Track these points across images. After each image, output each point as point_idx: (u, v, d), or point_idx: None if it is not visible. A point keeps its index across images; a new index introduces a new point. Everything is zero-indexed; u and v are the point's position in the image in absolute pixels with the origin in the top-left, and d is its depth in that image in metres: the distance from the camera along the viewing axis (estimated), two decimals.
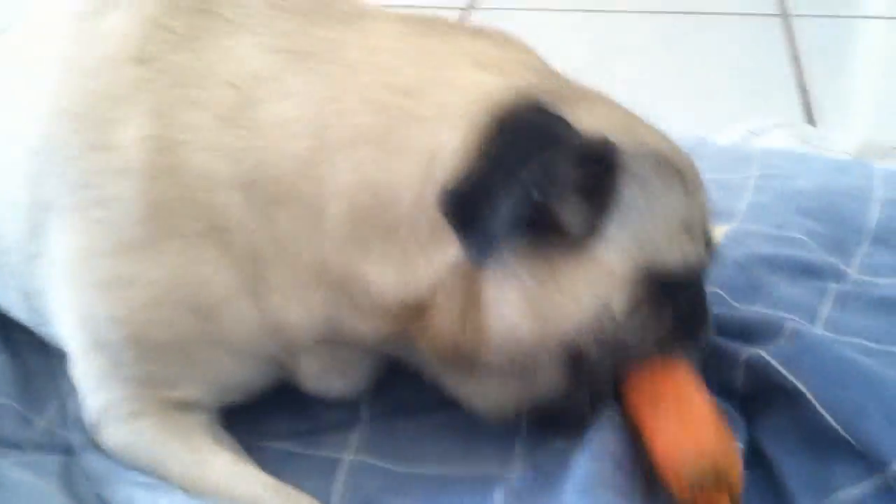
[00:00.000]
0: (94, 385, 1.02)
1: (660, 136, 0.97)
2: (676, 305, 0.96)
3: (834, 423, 0.96)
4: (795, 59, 2.07)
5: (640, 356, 0.95)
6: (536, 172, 0.83)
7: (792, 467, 0.98)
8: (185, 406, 1.02)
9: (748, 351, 1.04)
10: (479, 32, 0.99)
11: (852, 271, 1.32)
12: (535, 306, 0.90)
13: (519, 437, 1.03)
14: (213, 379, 1.02)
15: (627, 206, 0.91)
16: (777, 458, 1.00)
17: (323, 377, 1.04)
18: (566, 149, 0.85)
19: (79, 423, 1.05)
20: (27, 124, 1.01)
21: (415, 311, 0.93)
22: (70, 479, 1.01)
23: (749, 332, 1.09)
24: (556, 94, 0.92)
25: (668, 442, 0.91)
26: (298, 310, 0.96)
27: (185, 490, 0.98)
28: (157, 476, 1.00)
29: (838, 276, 1.29)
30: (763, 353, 1.03)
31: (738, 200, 1.42)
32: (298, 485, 0.99)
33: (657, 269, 0.93)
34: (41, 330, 1.11)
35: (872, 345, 1.16)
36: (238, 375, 1.03)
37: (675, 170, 0.95)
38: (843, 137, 1.66)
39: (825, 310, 1.23)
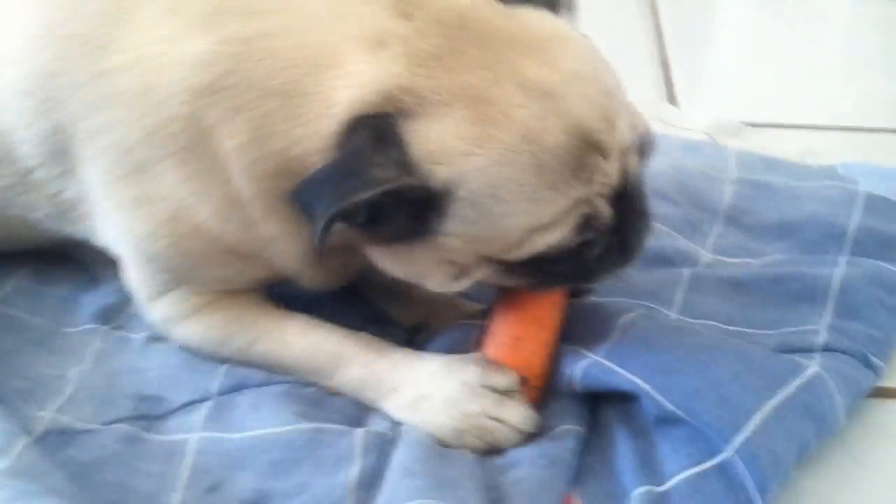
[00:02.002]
0: (156, 290, 1.13)
1: (524, 128, 0.93)
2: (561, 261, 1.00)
3: (670, 406, 0.99)
4: (658, 36, 2.09)
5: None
6: (344, 205, 0.90)
7: (628, 451, 1.01)
8: (238, 291, 1.13)
9: (584, 360, 1.05)
10: None
11: (706, 252, 1.34)
12: (400, 261, 1.02)
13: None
14: (245, 276, 1.12)
15: (459, 220, 0.95)
16: (616, 442, 1.03)
17: (320, 282, 1.13)
18: (384, 185, 0.90)
19: None
20: (26, 51, 1.05)
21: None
22: None
23: (589, 327, 1.10)
24: (421, 96, 0.93)
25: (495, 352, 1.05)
26: (272, 227, 1.03)
27: (268, 357, 1.10)
28: (238, 353, 1.12)
29: (692, 260, 1.31)
30: (600, 360, 1.04)
31: None
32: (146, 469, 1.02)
33: (504, 259, 0.99)
34: (75, 235, 1.17)
35: (726, 326, 1.18)
36: (263, 272, 1.12)
37: (534, 171, 0.93)
38: (698, 116, 1.67)
39: (680, 294, 1.25)
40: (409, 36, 0.94)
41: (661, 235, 1.33)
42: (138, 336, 1.18)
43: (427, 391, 1.03)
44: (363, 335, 1.11)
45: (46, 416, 1.06)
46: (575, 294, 1.12)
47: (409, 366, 1.06)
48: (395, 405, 1.05)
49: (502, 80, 0.93)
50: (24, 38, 1.06)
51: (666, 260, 1.30)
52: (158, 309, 1.14)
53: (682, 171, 1.45)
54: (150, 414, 1.08)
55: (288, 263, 1.09)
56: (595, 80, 0.97)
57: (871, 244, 1.29)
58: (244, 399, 1.08)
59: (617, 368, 1.02)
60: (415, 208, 0.94)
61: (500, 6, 1.00)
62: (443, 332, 1.13)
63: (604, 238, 1.00)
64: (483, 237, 0.96)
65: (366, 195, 0.90)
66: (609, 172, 0.97)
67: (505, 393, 1.02)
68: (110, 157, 1.04)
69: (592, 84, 0.96)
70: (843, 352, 1.10)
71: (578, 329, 1.10)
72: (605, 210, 0.98)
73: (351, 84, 0.93)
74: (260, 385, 1.10)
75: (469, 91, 0.93)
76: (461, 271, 1.01)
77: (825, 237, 1.31)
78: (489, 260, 0.99)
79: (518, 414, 1.02)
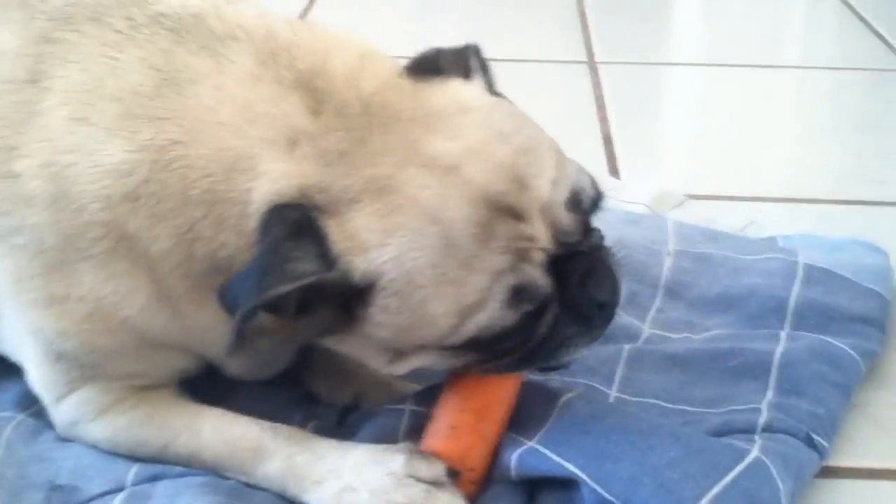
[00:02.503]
0: (63, 390, 1.09)
1: (430, 211, 0.91)
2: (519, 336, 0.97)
3: (609, 497, 0.95)
4: (600, 108, 2.09)
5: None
6: (264, 298, 0.88)
7: None
8: (150, 386, 1.10)
9: (520, 447, 1.02)
10: (301, 85, 0.97)
11: (647, 327, 1.31)
12: (346, 350, 1.02)
13: None
14: (164, 368, 1.10)
15: (382, 311, 0.93)
16: None
17: (250, 370, 1.12)
18: (303, 280, 0.89)
19: None
20: None
21: None
22: None
23: (526, 410, 1.06)
24: (331, 195, 0.92)
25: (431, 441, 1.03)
26: (206, 315, 1.00)
27: (184, 457, 1.06)
28: (152, 456, 1.07)
29: (632, 336, 1.28)
30: (535, 446, 1.01)
31: None
32: None
33: (428, 344, 0.96)
34: None
35: (666, 404, 1.16)
36: (181, 364, 1.10)
37: (447, 252, 0.91)
38: (640, 188, 1.66)
39: (620, 371, 1.21)
40: (316, 134, 0.94)
41: None
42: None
43: (352, 482, 0.99)
44: (283, 427, 1.06)
45: None
46: (545, 370, 1.06)
47: (333, 456, 1.02)
48: (319, 498, 1.01)
49: (405, 165, 0.92)
50: None
51: (606, 335, 1.26)
52: (65, 410, 1.10)
53: (621, 244, 1.41)
54: None
55: (217, 352, 1.05)
56: (503, 142, 0.94)
57: (812, 317, 1.27)
58: (161, 489, 1.03)
59: (552, 455, 0.99)
60: (340, 300, 0.93)
61: (406, 83, 0.99)
62: (372, 418, 1.09)
63: (549, 309, 0.96)
64: (411, 326, 0.93)
65: (284, 289, 0.88)
66: (532, 235, 0.93)
67: (434, 483, 0.98)
68: (22, 257, 1.01)
69: (499, 148, 0.94)
70: (785, 432, 1.07)
71: (515, 412, 1.06)
72: (537, 277, 0.93)
73: (264, 183, 0.92)
74: (178, 476, 1.05)
75: (374, 183, 0.92)
76: (397, 356, 0.99)
77: (766, 310, 1.29)
78: (425, 347, 0.96)
79: (447, 503, 0.97)
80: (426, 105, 0.96)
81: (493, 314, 0.92)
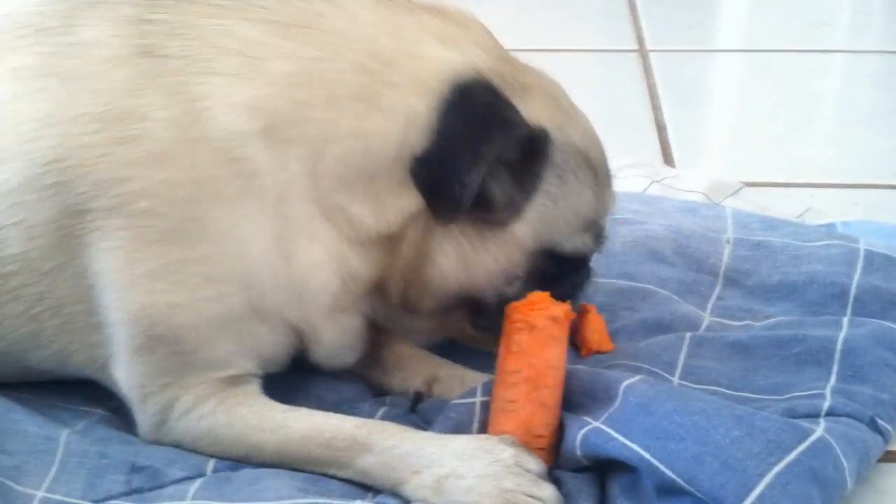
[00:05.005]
0: (152, 386, 1.09)
1: (585, 133, 1.15)
2: (557, 276, 1.16)
3: (672, 475, 0.97)
4: (652, 97, 2.09)
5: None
6: (493, 151, 1.04)
7: None
8: (238, 380, 1.11)
9: (585, 427, 1.04)
10: (441, 11, 1.13)
11: (707, 315, 1.32)
12: (464, 262, 1.11)
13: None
14: (257, 350, 1.11)
15: (545, 195, 1.11)
16: None
17: (338, 349, 1.16)
18: (513, 133, 1.06)
19: None
20: (30, 140, 1.03)
21: (388, 242, 1.10)
22: None
23: (591, 393, 1.08)
24: (505, 79, 1.09)
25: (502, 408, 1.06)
26: (317, 251, 1.07)
27: (276, 458, 1.07)
28: (241, 452, 1.09)
29: (692, 324, 1.30)
30: (600, 426, 1.02)
31: None
32: None
33: (554, 250, 1.15)
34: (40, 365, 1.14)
35: (729, 391, 1.17)
36: (273, 345, 1.12)
37: (592, 169, 1.14)
38: (695, 176, 1.67)
39: (682, 359, 1.23)
40: (470, 38, 1.10)
41: (660, 299, 1.32)
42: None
43: (457, 469, 1.01)
44: (372, 421, 1.09)
45: (38, 495, 1.04)
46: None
47: (433, 446, 1.03)
48: (419, 485, 1.02)
49: (555, 89, 1.15)
50: (27, 129, 1.04)
51: (666, 325, 1.28)
52: (152, 409, 1.10)
53: (679, 233, 1.44)
54: (142, 488, 1.05)
55: (314, 313, 1.10)
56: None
57: (874, 303, 1.28)
58: (242, 475, 1.06)
59: (616, 435, 1.00)
60: (517, 174, 1.08)
61: None
62: (445, 411, 1.11)
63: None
64: (553, 220, 1.12)
65: (509, 137, 1.04)
66: (610, 200, 1.20)
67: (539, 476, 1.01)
68: (142, 223, 1.02)
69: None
70: (849, 416, 1.08)
71: (581, 396, 1.08)
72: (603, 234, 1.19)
73: (439, 66, 1.06)
74: (258, 466, 1.08)
75: (539, 85, 1.13)
76: (518, 266, 1.13)
77: (827, 297, 1.30)
78: (543, 255, 1.13)
79: (552, 494, 1.00)
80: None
81: (591, 240, 1.18)
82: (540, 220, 1.12)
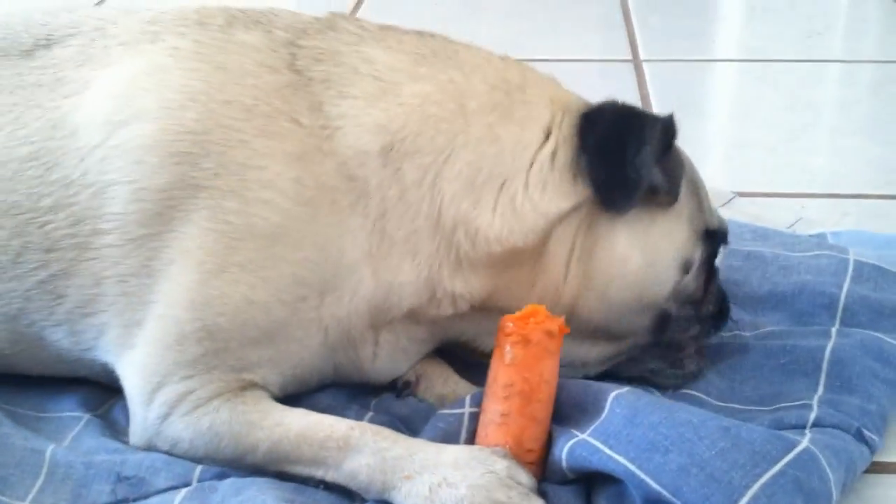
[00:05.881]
0: (177, 376, 1.08)
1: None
2: (712, 264, 1.21)
3: (657, 487, 0.96)
4: (646, 106, 2.10)
5: (697, 326, 1.21)
6: (654, 139, 1.11)
7: None
8: (251, 385, 1.11)
9: (572, 439, 1.04)
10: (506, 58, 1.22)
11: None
12: (641, 246, 1.15)
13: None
14: (290, 363, 1.13)
15: (687, 175, 1.18)
16: None
17: (392, 356, 1.18)
18: (657, 125, 1.12)
19: None
20: (173, 108, 1.08)
21: (515, 259, 1.12)
22: None
23: (579, 405, 1.08)
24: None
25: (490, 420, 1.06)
26: (408, 268, 1.11)
27: (264, 454, 1.07)
28: (236, 451, 1.08)
29: None
30: (586, 438, 1.02)
31: None
32: None
33: (709, 227, 1.20)
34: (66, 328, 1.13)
35: (717, 402, 1.18)
36: (308, 363, 1.14)
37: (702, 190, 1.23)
38: None
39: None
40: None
41: None
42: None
43: (450, 477, 1.00)
44: (367, 424, 1.09)
45: None
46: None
47: (428, 453, 1.03)
48: (410, 492, 1.02)
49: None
50: (173, 97, 1.09)
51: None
52: (161, 400, 1.09)
53: None
54: (128, 498, 1.05)
55: (382, 325, 1.14)
56: None
57: (863, 313, 1.28)
58: (227, 485, 1.06)
59: (602, 447, 1.00)
60: (665, 159, 1.14)
61: None
62: (433, 420, 1.11)
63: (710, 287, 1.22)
64: (697, 197, 1.20)
65: (655, 129, 1.11)
66: None
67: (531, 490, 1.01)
68: (260, 213, 1.06)
69: None
70: (835, 427, 1.08)
71: (570, 407, 1.08)
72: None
73: (566, 94, 1.20)
74: (244, 475, 1.07)
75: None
76: (689, 248, 1.17)
77: (817, 307, 1.30)
78: (700, 234, 1.18)
79: None
80: None
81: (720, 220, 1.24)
82: (691, 200, 1.18)
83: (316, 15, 1.21)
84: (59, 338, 1.14)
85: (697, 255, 1.18)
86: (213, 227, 1.06)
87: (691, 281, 1.18)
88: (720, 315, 1.23)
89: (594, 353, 1.20)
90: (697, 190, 1.21)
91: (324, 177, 1.08)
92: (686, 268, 1.17)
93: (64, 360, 1.16)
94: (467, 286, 1.13)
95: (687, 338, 1.20)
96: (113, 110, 1.09)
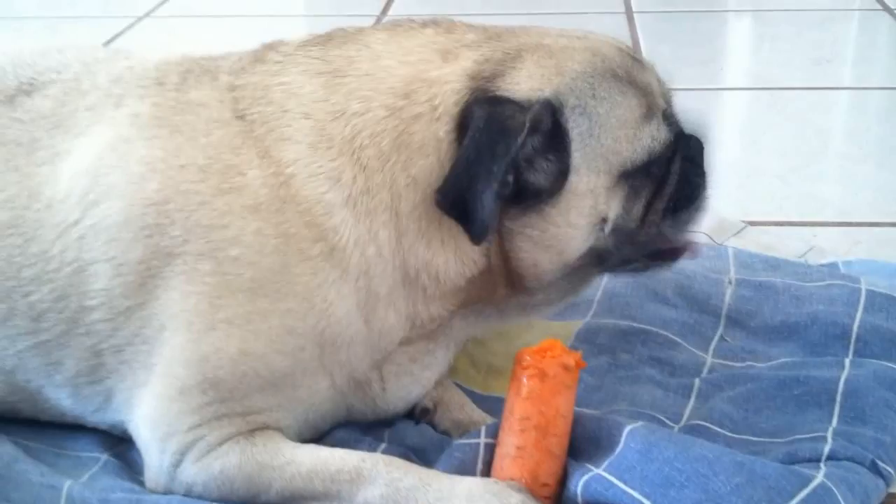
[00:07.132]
0: (185, 425, 1.09)
1: (585, 50, 1.14)
2: (663, 177, 1.16)
3: None
4: None
5: (653, 232, 1.17)
6: (504, 163, 1.04)
7: None
8: (262, 427, 1.12)
9: (587, 474, 1.04)
10: (434, 22, 1.19)
11: (709, 357, 1.32)
12: (545, 247, 1.11)
13: None
14: (301, 407, 1.14)
15: (580, 137, 1.10)
16: None
17: (401, 385, 1.19)
18: (519, 132, 1.05)
19: None
20: (137, 181, 1.10)
21: (479, 280, 1.14)
22: None
23: (594, 440, 1.08)
24: (495, 58, 1.12)
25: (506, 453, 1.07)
26: (393, 316, 1.12)
27: (278, 492, 1.07)
28: (250, 492, 1.08)
29: (696, 367, 1.30)
30: (601, 473, 1.02)
31: (591, 290, 1.41)
32: None
33: (629, 167, 1.13)
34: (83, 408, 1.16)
35: (731, 434, 1.17)
36: (319, 407, 1.15)
37: (611, 75, 1.13)
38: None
39: (689, 404, 1.23)
40: (455, 39, 1.15)
41: (662, 342, 1.32)
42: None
43: None
44: (379, 455, 1.09)
45: None
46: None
47: (442, 483, 1.04)
48: None
49: (545, 36, 1.15)
50: (136, 170, 1.10)
51: (673, 368, 1.30)
52: (173, 448, 1.10)
53: (682, 274, 1.44)
54: None
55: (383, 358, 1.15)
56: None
57: (876, 343, 1.28)
58: None
59: (617, 482, 1.00)
60: (544, 149, 1.08)
61: None
62: (449, 450, 1.12)
63: (679, 149, 1.17)
64: (604, 147, 1.11)
65: (515, 147, 1.04)
66: (655, 82, 1.17)
67: None
68: (232, 270, 1.07)
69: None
70: (850, 459, 1.08)
71: (584, 441, 1.08)
72: (670, 111, 1.18)
73: (445, 89, 1.10)
74: None
75: (527, 46, 1.13)
76: (599, 210, 1.11)
77: (830, 338, 1.30)
78: (616, 180, 1.12)
79: None
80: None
81: (657, 125, 1.13)
82: (591, 159, 1.10)
83: (252, 48, 1.22)
84: (62, 397, 1.16)
85: (615, 203, 1.13)
86: (193, 289, 1.07)
87: (622, 221, 1.14)
88: (688, 200, 1.20)
89: (554, 294, 1.21)
90: (605, 133, 1.12)
91: (285, 225, 1.08)
92: (602, 224, 1.13)
93: (68, 416, 1.18)
94: (444, 307, 1.15)
95: (641, 252, 1.20)
96: (84, 189, 1.11)
